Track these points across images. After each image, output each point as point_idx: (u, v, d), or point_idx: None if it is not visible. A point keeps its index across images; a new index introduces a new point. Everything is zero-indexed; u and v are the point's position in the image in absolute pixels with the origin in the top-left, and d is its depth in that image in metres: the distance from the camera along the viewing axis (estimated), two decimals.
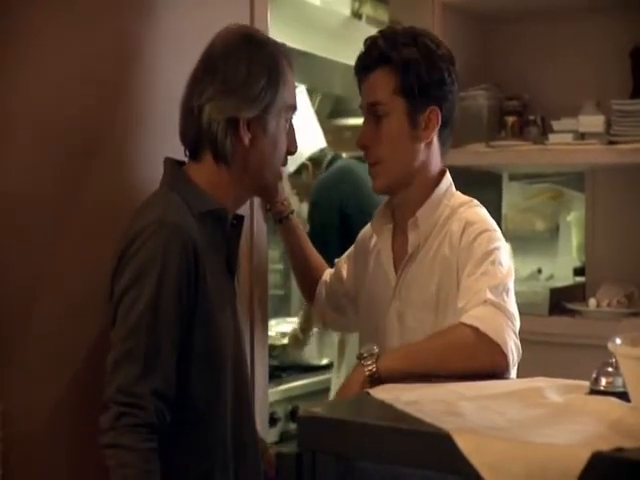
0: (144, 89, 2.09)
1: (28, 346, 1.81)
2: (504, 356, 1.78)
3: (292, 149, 1.95)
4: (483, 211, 2.05)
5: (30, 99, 1.82)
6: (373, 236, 2.17)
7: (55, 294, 1.87)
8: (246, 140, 1.85)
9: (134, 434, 1.68)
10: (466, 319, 1.82)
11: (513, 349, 1.80)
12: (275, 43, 1.93)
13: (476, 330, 1.79)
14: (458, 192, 2.11)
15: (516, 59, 3.54)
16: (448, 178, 2.10)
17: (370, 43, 2.07)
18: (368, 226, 2.23)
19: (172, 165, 1.92)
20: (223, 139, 1.84)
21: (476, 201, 2.09)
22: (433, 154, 2.07)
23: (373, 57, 2.04)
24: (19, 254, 1.80)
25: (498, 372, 1.77)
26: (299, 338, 3.78)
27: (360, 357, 1.86)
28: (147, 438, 1.69)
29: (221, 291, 1.86)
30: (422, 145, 2.04)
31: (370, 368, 1.82)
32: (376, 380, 1.80)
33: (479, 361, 1.78)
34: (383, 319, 2.06)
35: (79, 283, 1.91)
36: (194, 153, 1.90)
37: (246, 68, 1.84)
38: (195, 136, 1.87)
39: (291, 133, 1.94)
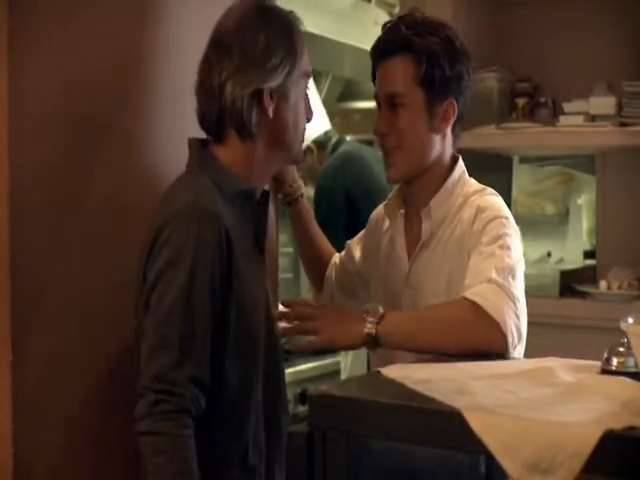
0: (155, 78, 2.09)
1: (41, 320, 1.83)
2: (503, 335, 1.76)
3: (309, 116, 1.94)
4: (497, 199, 2.04)
5: (44, 89, 1.84)
6: (385, 219, 2.17)
7: (70, 267, 1.88)
8: (270, 111, 1.84)
9: (171, 421, 1.66)
10: (468, 295, 1.81)
11: (513, 329, 1.78)
12: (286, 11, 1.92)
13: (476, 306, 1.78)
14: (472, 179, 2.10)
15: (527, 41, 3.52)
16: (461, 166, 2.09)
17: (391, 28, 2.04)
18: (380, 208, 2.23)
19: (198, 146, 1.89)
20: (249, 114, 1.82)
21: (490, 189, 2.07)
22: (447, 145, 2.07)
23: (394, 42, 2.00)
24: (37, 234, 1.82)
25: (496, 351, 1.76)
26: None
27: (365, 311, 1.85)
28: (184, 425, 1.67)
29: (252, 271, 1.85)
30: (438, 137, 2.03)
31: (370, 328, 1.81)
32: (372, 340, 1.81)
33: (476, 337, 1.77)
34: (396, 306, 2.05)
35: (94, 268, 1.93)
36: (218, 135, 1.87)
37: (265, 38, 1.83)
38: (218, 117, 1.84)
39: (307, 100, 1.94)
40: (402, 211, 2.11)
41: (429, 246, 2.03)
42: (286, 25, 1.87)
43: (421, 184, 2.05)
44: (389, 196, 2.17)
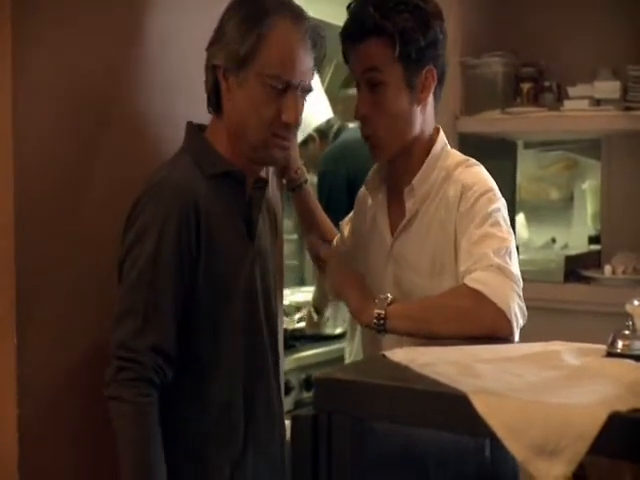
0: (160, 53, 2.10)
1: (45, 303, 1.85)
2: (507, 321, 1.76)
3: (284, 118, 1.84)
4: (480, 170, 2.01)
5: (54, 67, 1.86)
6: (369, 196, 2.15)
7: (73, 250, 1.90)
8: (225, 90, 1.86)
9: (132, 388, 1.72)
10: (470, 282, 1.80)
11: (517, 313, 1.78)
12: (273, 6, 1.86)
13: (480, 294, 1.77)
14: (454, 150, 2.08)
15: (532, 25, 3.52)
16: (442, 138, 2.06)
17: (358, 10, 1.99)
18: (365, 186, 2.20)
19: (191, 128, 1.94)
20: (209, 87, 1.89)
21: (472, 160, 2.04)
22: (429, 114, 2.04)
23: (365, 27, 1.95)
24: (40, 221, 1.84)
25: (501, 336, 1.75)
26: (314, 320, 3.77)
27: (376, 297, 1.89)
28: (144, 392, 1.73)
29: (234, 254, 1.88)
30: (419, 108, 2.00)
31: (379, 311, 1.85)
32: (380, 321, 1.85)
33: (480, 324, 1.77)
34: (380, 282, 2.05)
35: (97, 255, 1.95)
36: (209, 112, 1.94)
37: (230, 17, 1.86)
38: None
39: (289, 103, 1.84)
40: (384, 188, 2.09)
41: (413, 222, 2.01)
42: (254, 15, 1.84)
43: (404, 160, 2.03)
44: (369, 173, 2.15)
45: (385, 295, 1.88)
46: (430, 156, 2.02)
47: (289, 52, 1.84)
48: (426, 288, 1.93)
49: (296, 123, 1.88)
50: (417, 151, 2.02)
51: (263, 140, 1.86)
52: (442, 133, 2.07)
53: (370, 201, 2.14)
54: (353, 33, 1.98)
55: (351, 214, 2.29)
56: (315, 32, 1.89)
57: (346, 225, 2.30)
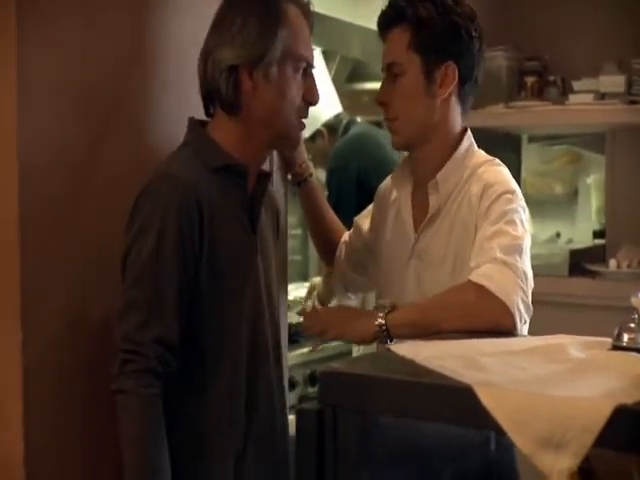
0: (160, 52, 2.10)
1: (50, 298, 1.85)
2: (510, 315, 1.76)
3: (309, 98, 1.91)
4: (503, 171, 2.03)
5: (57, 67, 1.86)
6: (393, 190, 2.16)
7: (77, 246, 1.91)
8: (248, 89, 1.85)
9: (136, 380, 1.74)
10: (474, 277, 1.81)
11: (521, 307, 1.78)
12: None
13: (482, 288, 1.78)
14: (480, 150, 2.09)
15: (536, 19, 3.51)
16: (469, 137, 2.08)
17: (390, 2, 2.06)
18: (387, 180, 2.22)
19: (193, 124, 1.94)
20: (226, 90, 1.85)
21: (497, 160, 2.06)
22: (452, 112, 2.05)
23: (390, 16, 2.03)
24: (45, 218, 1.84)
25: (504, 330, 1.76)
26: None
27: (377, 307, 1.90)
28: (149, 384, 1.74)
29: (237, 246, 1.88)
30: (438, 102, 2.02)
31: (380, 319, 1.85)
32: (384, 332, 1.84)
33: (483, 319, 1.77)
34: (401, 277, 2.06)
35: (100, 237, 1.95)
36: (208, 111, 1.93)
37: (242, 17, 1.84)
38: (204, 91, 1.90)
39: (309, 84, 1.91)
40: (410, 182, 2.10)
41: (437, 218, 2.02)
42: (270, 4, 1.86)
43: (426, 153, 2.05)
44: (396, 167, 2.17)
45: (382, 304, 1.88)
46: (455, 154, 2.04)
47: (306, 33, 1.90)
48: (447, 286, 1.91)
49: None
50: (438, 146, 2.04)
51: (294, 125, 1.92)
52: (469, 134, 2.09)
53: (394, 195, 2.16)
54: (382, 22, 2.06)
55: (369, 208, 2.30)
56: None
57: (364, 219, 2.29)
